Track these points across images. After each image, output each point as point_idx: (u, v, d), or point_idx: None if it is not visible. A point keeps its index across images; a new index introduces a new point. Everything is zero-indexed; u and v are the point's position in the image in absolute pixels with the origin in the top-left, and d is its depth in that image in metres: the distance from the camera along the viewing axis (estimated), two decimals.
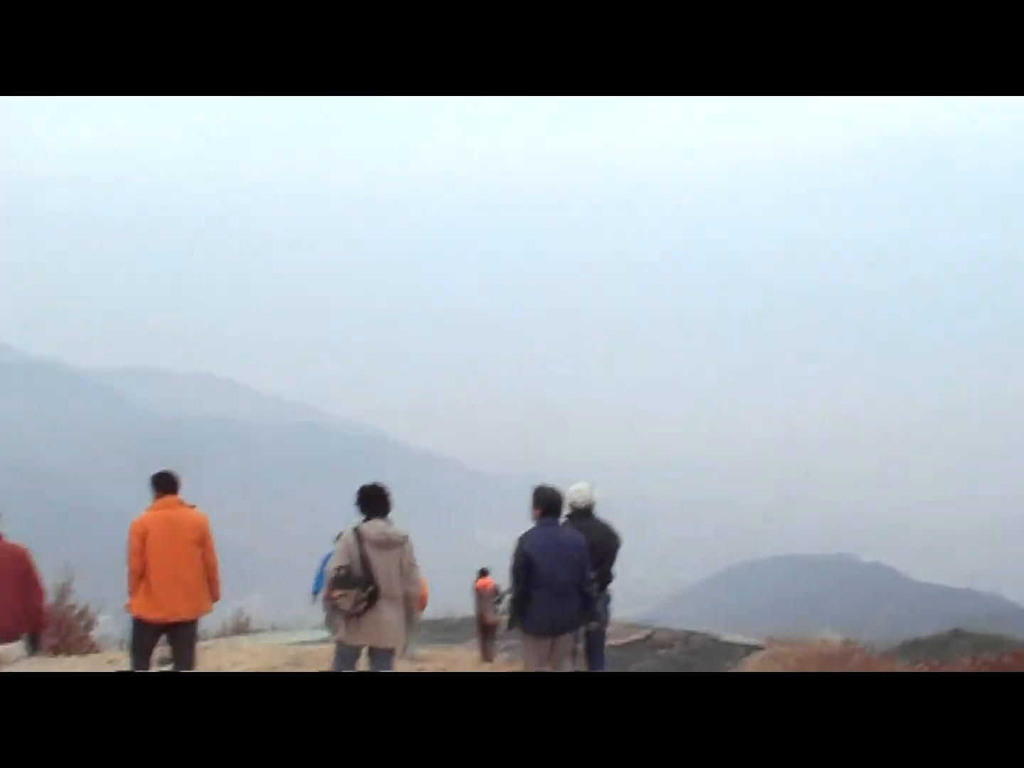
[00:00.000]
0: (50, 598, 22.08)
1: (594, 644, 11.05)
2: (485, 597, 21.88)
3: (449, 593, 23.16)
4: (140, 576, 9.72)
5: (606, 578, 10.81)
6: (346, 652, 9.00)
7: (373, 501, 9.31)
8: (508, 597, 10.05)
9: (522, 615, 9.85)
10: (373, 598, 8.72)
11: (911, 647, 37.79)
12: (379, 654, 9.01)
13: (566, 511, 10.87)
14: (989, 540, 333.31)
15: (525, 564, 9.66)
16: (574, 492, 11.00)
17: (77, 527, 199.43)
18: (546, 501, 10.04)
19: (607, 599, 11.11)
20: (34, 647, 9.19)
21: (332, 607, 8.94)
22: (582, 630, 10.18)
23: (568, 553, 9.70)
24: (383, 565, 8.90)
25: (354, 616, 8.73)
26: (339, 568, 8.81)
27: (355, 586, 8.63)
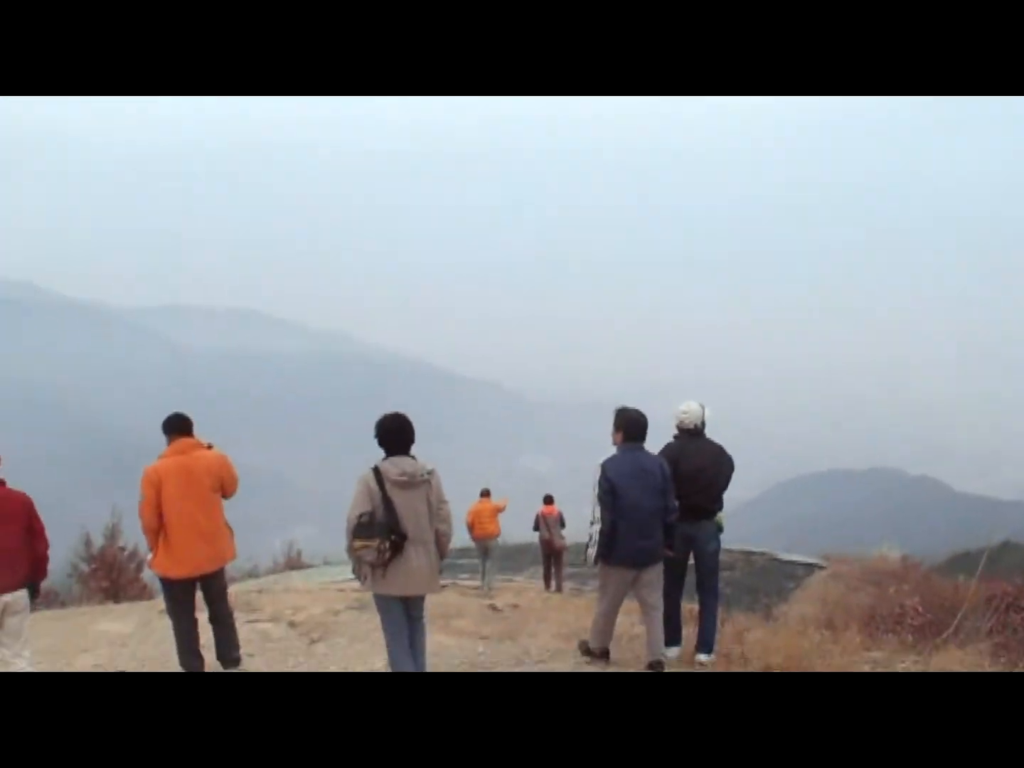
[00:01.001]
0: (99, 540, 22.03)
1: (706, 577, 10.21)
2: (551, 524, 21.54)
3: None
4: (156, 532, 9.01)
5: (715, 504, 10.06)
6: (385, 602, 8.31)
7: (393, 435, 8.17)
8: (595, 528, 9.21)
9: (607, 546, 9.19)
10: (398, 546, 7.96)
11: (961, 560, 37.26)
12: (411, 601, 8.44)
13: (673, 432, 10.16)
14: None
15: (610, 492, 8.81)
16: (682, 413, 9.80)
17: (123, 468, 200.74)
18: (628, 424, 9.13)
19: (718, 528, 10.26)
20: (34, 595, 8.82)
21: (356, 558, 8.15)
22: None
23: (652, 480, 8.86)
24: (409, 507, 7.94)
25: (380, 566, 8.03)
26: (360, 515, 7.84)
27: (378, 535, 7.68)
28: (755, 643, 9.36)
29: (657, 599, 9.00)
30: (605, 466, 8.90)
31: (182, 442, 9.11)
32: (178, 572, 8.97)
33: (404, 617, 8.10)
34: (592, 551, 8.87)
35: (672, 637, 9.38)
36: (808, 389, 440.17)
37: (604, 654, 9.10)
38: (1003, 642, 11.18)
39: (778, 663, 8.12)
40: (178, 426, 9.23)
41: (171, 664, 9.50)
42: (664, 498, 8.85)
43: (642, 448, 9.03)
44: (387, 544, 7.74)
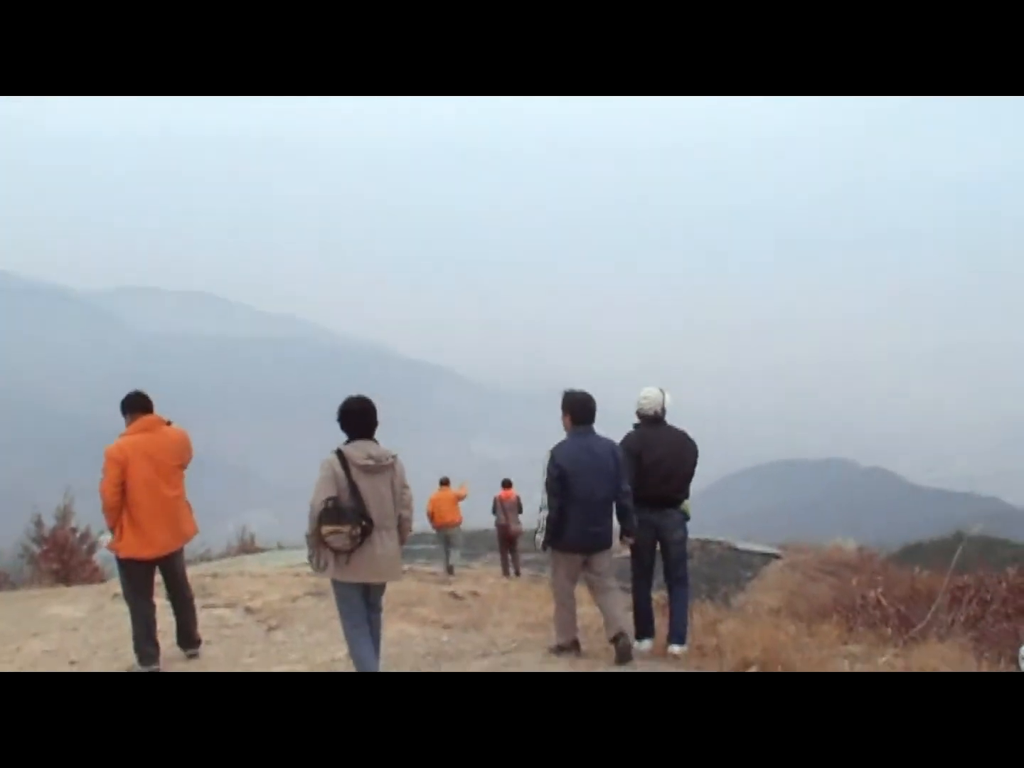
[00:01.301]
0: (51, 521, 21.74)
1: (674, 567, 9.54)
2: (508, 508, 21.43)
3: None
4: (119, 511, 8.65)
5: (680, 492, 9.36)
6: (345, 590, 8.03)
7: (358, 418, 7.94)
8: (543, 515, 9.03)
9: (555, 532, 9.14)
10: (367, 532, 7.61)
11: (914, 551, 37.50)
12: (372, 588, 8.23)
13: (634, 421, 9.95)
14: (988, 445, 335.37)
15: (559, 478, 8.61)
16: (642, 399, 9.52)
17: (75, 450, 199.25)
18: (574, 406, 8.91)
19: (684, 516, 10.04)
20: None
21: (319, 544, 7.93)
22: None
23: (603, 465, 8.66)
24: (374, 492, 7.73)
25: (344, 552, 7.77)
26: (326, 500, 7.57)
27: (347, 520, 7.50)
28: (729, 635, 9.18)
29: (610, 581, 8.85)
30: (554, 452, 8.75)
31: (146, 419, 8.88)
32: (148, 552, 8.73)
33: (363, 606, 7.89)
34: (540, 537, 8.71)
35: (644, 629, 9.21)
36: (760, 380, 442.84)
37: (574, 645, 8.88)
38: (979, 636, 11.09)
39: (755, 656, 7.93)
40: (140, 404, 8.99)
41: (124, 651, 9.26)
42: (616, 482, 8.66)
43: (592, 431, 8.84)
44: (358, 530, 7.51)
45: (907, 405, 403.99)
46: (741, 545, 30.88)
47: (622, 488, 8.69)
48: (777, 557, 29.65)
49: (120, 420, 8.97)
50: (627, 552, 9.30)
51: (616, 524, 8.93)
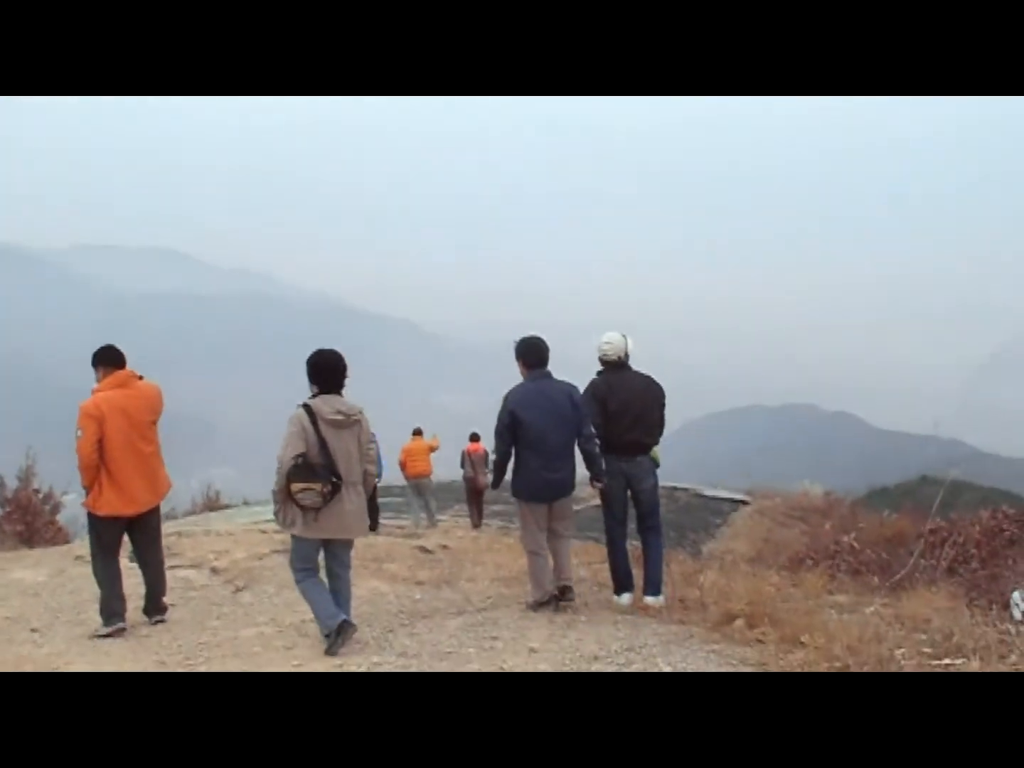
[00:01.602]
0: (13, 482, 21.47)
1: (646, 516, 9.28)
2: (476, 461, 21.60)
3: None
4: (97, 469, 8.41)
5: (650, 438, 9.23)
6: (306, 546, 7.90)
7: (328, 372, 7.87)
8: (491, 459, 8.95)
9: (514, 480, 8.74)
10: (337, 489, 7.58)
11: (879, 495, 37.76)
12: (339, 544, 7.96)
13: (597, 369, 9.61)
14: (950, 388, 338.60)
15: (510, 424, 8.55)
16: (604, 344, 9.28)
17: (37, 409, 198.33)
18: (527, 350, 8.80)
19: (655, 463, 9.32)
20: None
21: (287, 500, 7.60)
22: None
23: (559, 410, 8.56)
24: (342, 448, 7.70)
25: (314, 509, 7.62)
26: (296, 456, 7.51)
27: (318, 478, 7.46)
28: (711, 587, 8.99)
29: (566, 527, 8.86)
30: (507, 397, 8.67)
31: (120, 374, 8.62)
32: (131, 509, 8.57)
33: (317, 560, 7.89)
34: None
35: (622, 583, 9.04)
36: (718, 328, 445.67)
37: (552, 599, 8.66)
38: (962, 581, 11.00)
39: (740, 609, 7.76)
40: (113, 358, 8.71)
41: (86, 615, 9.04)
42: (576, 426, 8.56)
43: (548, 375, 8.74)
44: (329, 487, 7.44)
45: (867, 347, 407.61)
46: (709, 492, 30.96)
47: (583, 432, 8.53)
48: (745, 503, 29.72)
49: (88, 377, 8.73)
50: (598, 502, 9.17)
51: (583, 471, 8.82)
